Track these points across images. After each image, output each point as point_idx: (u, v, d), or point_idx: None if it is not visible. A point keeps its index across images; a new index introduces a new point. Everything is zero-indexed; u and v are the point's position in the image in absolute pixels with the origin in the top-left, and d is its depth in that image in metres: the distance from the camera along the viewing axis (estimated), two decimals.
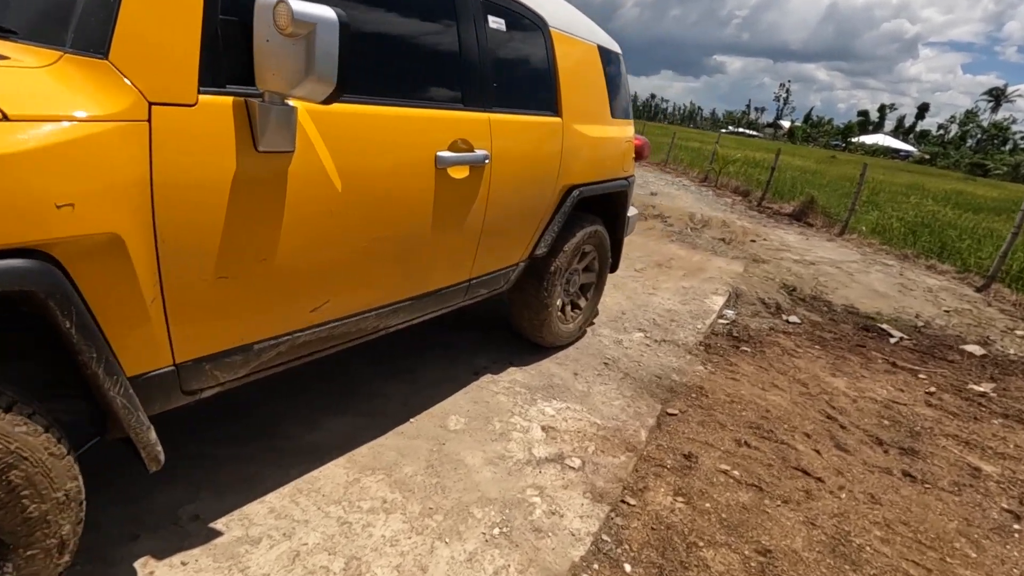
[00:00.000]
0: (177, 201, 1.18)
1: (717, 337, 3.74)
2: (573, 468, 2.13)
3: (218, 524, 1.63)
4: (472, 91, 1.95)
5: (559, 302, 2.93)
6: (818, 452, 2.52)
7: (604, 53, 2.84)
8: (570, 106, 2.50)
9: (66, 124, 1.00)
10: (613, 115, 2.93)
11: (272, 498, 1.76)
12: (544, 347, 3.00)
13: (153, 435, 1.28)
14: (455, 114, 1.86)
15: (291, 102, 1.34)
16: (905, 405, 3.13)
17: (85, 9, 1.08)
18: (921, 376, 3.61)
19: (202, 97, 1.21)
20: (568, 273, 2.96)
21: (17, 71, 1.00)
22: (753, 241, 7.20)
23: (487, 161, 1.98)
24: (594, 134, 2.71)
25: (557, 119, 2.42)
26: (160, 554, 1.51)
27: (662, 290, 4.41)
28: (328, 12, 1.21)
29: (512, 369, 2.80)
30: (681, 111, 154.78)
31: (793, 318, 4.46)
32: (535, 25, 2.28)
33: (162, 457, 1.32)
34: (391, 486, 1.89)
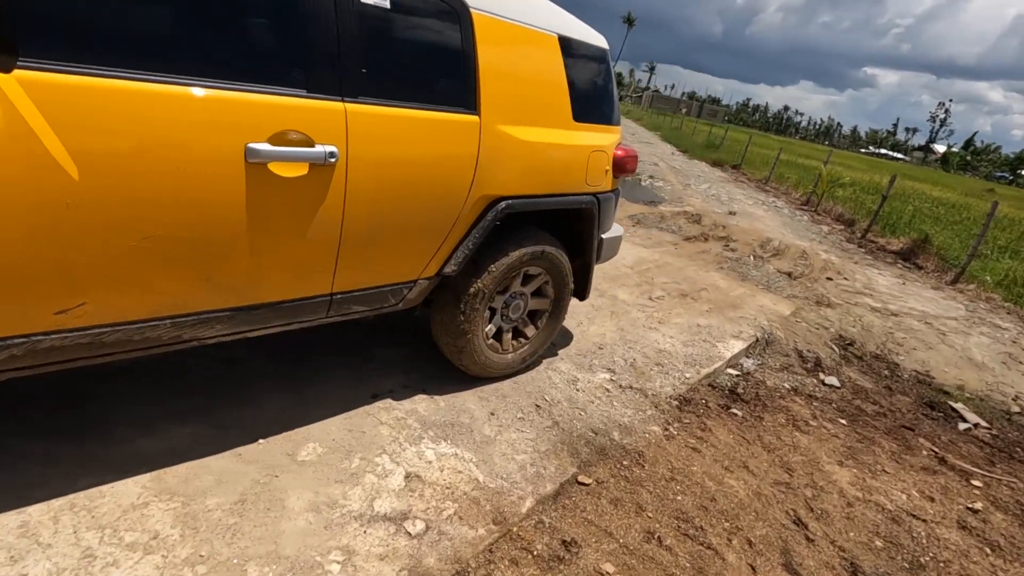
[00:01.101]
0: None
1: (708, 391, 3.14)
2: (409, 534, 1.78)
3: None
4: (321, 75, 1.65)
5: (489, 328, 2.55)
6: (753, 570, 1.94)
7: (569, 45, 2.40)
8: (497, 103, 2.12)
9: None
10: (578, 118, 2.48)
11: (35, 510, 1.60)
12: (472, 377, 2.64)
13: None
14: (286, 101, 1.57)
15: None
16: (925, 522, 2.39)
17: None
18: (975, 483, 2.78)
19: None
20: (508, 297, 2.57)
21: None
22: (829, 279, 6.21)
23: (333, 160, 1.67)
24: (537, 139, 2.29)
25: (472, 117, 2.05)
26: None
27: (669, 325, 3.83)
28: None
29: (420, 397, 2.48)
30: (816, 126, 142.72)
31: (831, 380, 3.69)
32: (446, 5, 1.92)
33: None
34: (177, 519, 1.66)
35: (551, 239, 2.59)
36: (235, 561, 1.57)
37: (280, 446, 2.03)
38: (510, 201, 2.26)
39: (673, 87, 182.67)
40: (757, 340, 3.94)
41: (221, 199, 1.51)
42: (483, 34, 2.04)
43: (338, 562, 1.64)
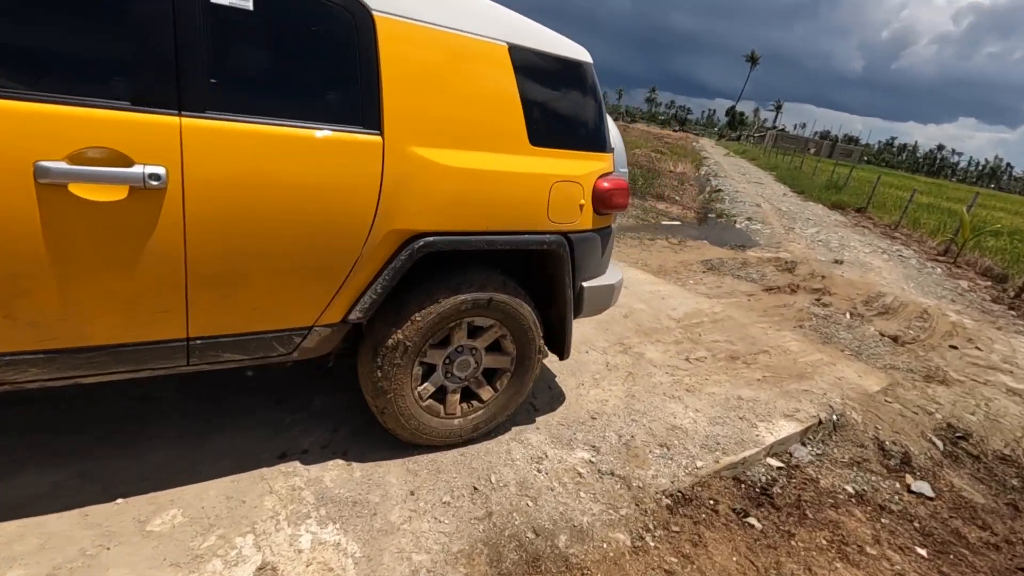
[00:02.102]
0: None
1: (725, 488, 2.43)
2: None
3: None
4: (150, 86, 1.41)
5: (423, 388, 2.15)
6: None
7: (524, 56, 2.01)
8: (409, 121, 1.77)
9: None
10: (537, 142, 2.06)
11: None
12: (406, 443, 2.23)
13: None
14: (95, 113, 1.35)
15: None
16: None
17: None
18: None
19: None
20: (451, 352, 2.16)
21: None
22: (953, 347, 4.99)
23: (156, 183, 1.41)
24: (470, 165, 1.90)
25: (371, 137, 1.72)
26: None
27: (699, 395, 3.14)
28: None
29: (335, 463, 2.12)
30: (979, 167, 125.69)
31: (921, 486, 2.77)
32: (336, 8, 1.63)
33: None
34: None
35: (506, 285, 2.15)
36: None
37: (137, 509, 1.77)
38: (431, 239, 1.88)
39: (804, 126, 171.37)
40: (820, 423, 3.10)
41: (7, 225, 1.31)
42: (390, 42, 1.72)
43: None
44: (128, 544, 1.65)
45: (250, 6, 1.51)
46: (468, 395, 2.32)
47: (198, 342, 1.67)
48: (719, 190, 15.11)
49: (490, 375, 2.35)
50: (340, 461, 2.13)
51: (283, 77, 1.62)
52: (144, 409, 2.21)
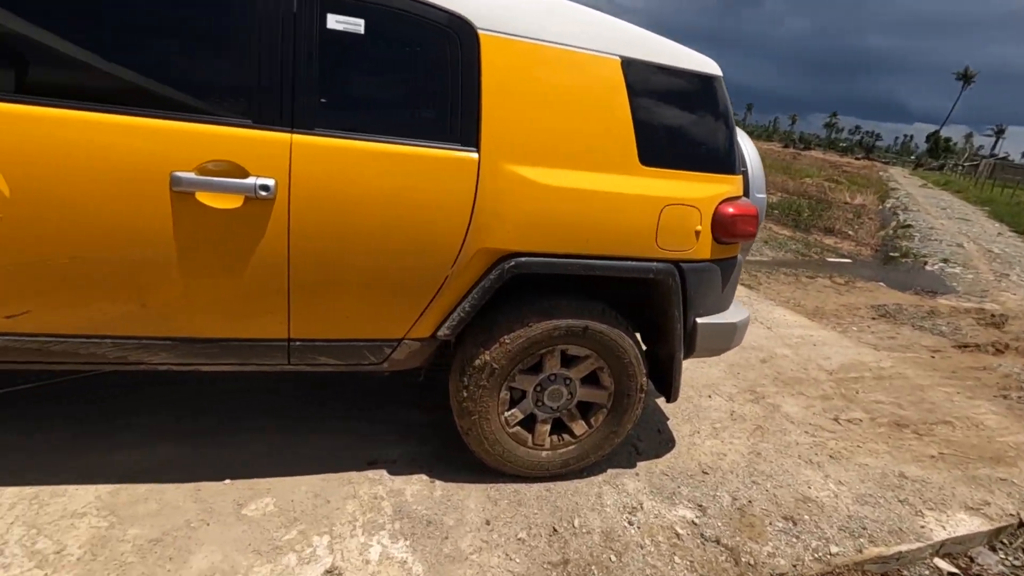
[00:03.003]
0: None
1: None
2: None
3: None
4: (268, 106, 1.54)
5: (510, 414, 2.06)
6: None
7: (640, 70, 1.86)
8: (508, 138, 1.73)
9: None
10: (649, 161, 1.89)
11: (9, 492, 1.77)
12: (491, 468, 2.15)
13: None
14: (218, 130, 1.51)
15: None
16: None
17: None
18: None
19: None
20: (542, 379, 2.05)
21: None
22: None
23: (265, 193, 1.53)
24: (569, 184, 1.80)
25: (467, 154, 1.70)
26: None
27: (846, 464, 2.61)
28: None
29: (419, 478, 2.11)
30: None
31: None
32: (443, 29, 1.66)
33: None
34: (91, 540, 1.65)
35: (604, 314, 1.99)
36: None
37: (239, 492, 1.92)
38: (523, 259, 1.80)
39: None
40: (1021, 524, 2.40)
41: (147, 225, 1.51)
42: (493, 60, 1.70)
43: None
44: (223, 524, 1.78)
45: (361, 30, 1.60)
46: (559, 427, 2.18)
47: (297, 343, 1.78)
48: (908, 225, 13.00)
49: (585, 409, 2.19)
50: (424, 477, 2.12)
51: (386, 95, 1.68)
52: (254, 401, 2.43)
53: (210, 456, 2.06)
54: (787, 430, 2.85)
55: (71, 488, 1.82)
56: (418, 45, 1.67)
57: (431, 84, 1.69)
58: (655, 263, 1.95)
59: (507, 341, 1.91)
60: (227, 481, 1.96)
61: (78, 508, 1.76)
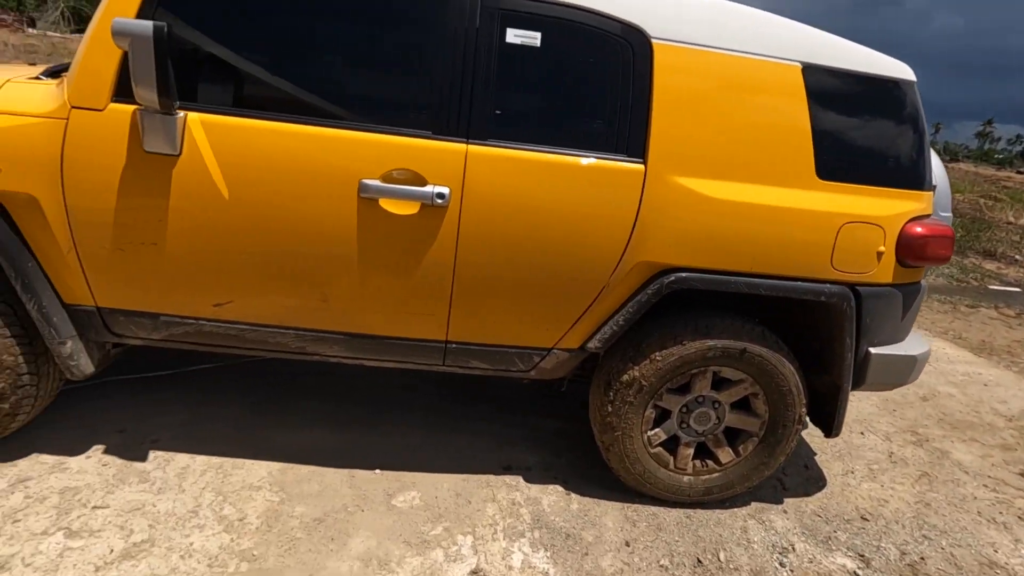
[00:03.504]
0: (78, 180, 1.55)
1: None
2: None
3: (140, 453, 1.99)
4: (447, 117, 1.61)
5: (653, 433, 1.98)
6: None
7: (824, 77, 1.73)
8: (676, 149, 1.67)
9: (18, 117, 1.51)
10: (828, 175, 1.74)
11: (200, 460, 1.99)
12: (629, 487, 2.09)
13: (67, 349, 1.71)
14: (402, 140, 1.60)
15: (180, 112, 1.52)
16: None
17: None
18: None
19: (112, 104, 1.54)
20: (689, 400, 1.96)
21: (20, 85, 1.58)
22: None
23: (441, 200, 1.60)
24: (739, 197, 1.70)
25: (634, 165, 1.67)
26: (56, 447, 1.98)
27: None
28: (141, 26, 1.33)
29: (554, 488, 2.10)
30: None
31: None
32: (616, 38, 1.64)
33: (79, 374, 1.75)
34: (266, 512, 1.81)
35: (765, 337, 1.87)
36: (269, 574, 1.60)
37: (388, 482, 2.02)
38: (684, 274, 1.73)
39: None
40: None
41: (334, 227, 1.63)
42: (667, 69, 1.66)
43: None
44: (376, 512, 1.88)
45: (538, 43, 1.63)
46: (703, 452, 2.07)
47: (453, 346, 1.84)
48: None
49: (732, 436, 2.06)
50: (559, 488, 2.11)
51: (556, 107, 1.70)
52: (395, 397, 2.54)
53: (360, 445, 2.18)
54: (961, 481, 2.51)
55: (248, 462, 2.02)
56: (591, 56, 1.67)
57: (601, 95, 1.68)
58: (828, 285, 1.79)
59: (658, 358, 1.84)
60: (377, 471, 2.07)
61: (254, 481, 1.94)
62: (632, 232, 1.70)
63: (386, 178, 1.60)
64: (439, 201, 1.60)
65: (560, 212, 1.67)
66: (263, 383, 2.49)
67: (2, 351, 1.69)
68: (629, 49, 1.65)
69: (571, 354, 1.89)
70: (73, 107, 1.53)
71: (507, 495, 2.04)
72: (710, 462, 2.06)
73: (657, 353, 1.84)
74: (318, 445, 2.15)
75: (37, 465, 1.86)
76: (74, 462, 1.90)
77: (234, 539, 1.70)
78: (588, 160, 1.66)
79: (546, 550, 1.82)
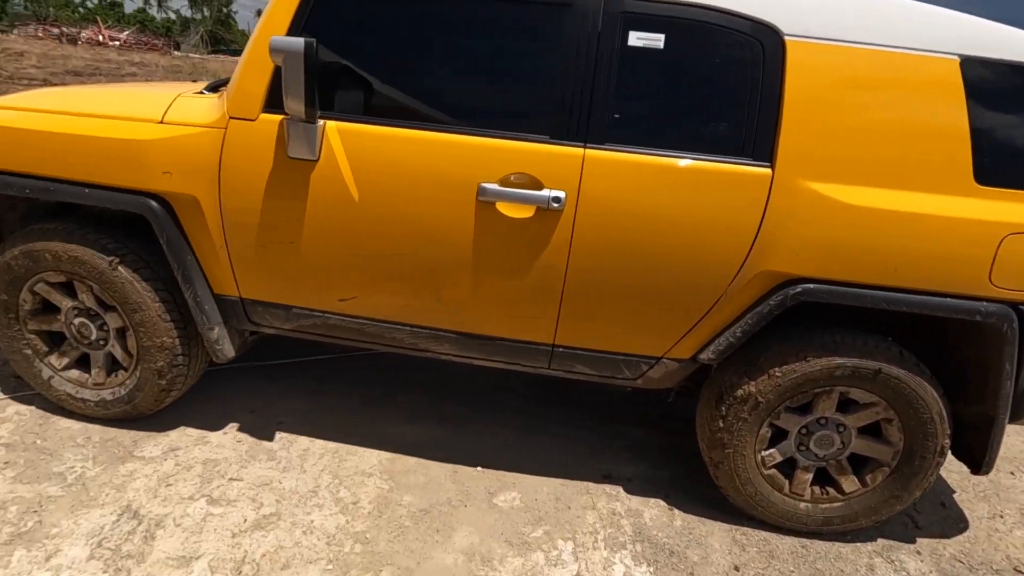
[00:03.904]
0: (232, 183, 1.73)
1: None
2: None
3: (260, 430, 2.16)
4: (565, 122, 1.62)
5: (768, 453, 1.87)
6: None
7: (986, 70, 1.54)
8: (808, 152, 1.57)
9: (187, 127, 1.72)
10: (987, 179, 1.56)
11: (319, 444, 2.13)
12: (738, 509, 1.98)
13: (214, 334, 1.91)
14: (520, 145, 1.62)
15: (320, 121, 1.65)
16: None
17: None
18: None
19: (263, 115, 1.69)
20: (810, 421, 1.83)
21: (188, 99, 1.79)
22: None
23: (557, 205, 1.61)
24: (879, 204, 1.56)
25: (759, 169, 1.58)
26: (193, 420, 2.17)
27: None
28: (294, 43, 1.46)
29: (656, 502, 2.03)
30: None
31: None
32: (746, 37, 1.57)
33: (223, 357, 1.95)
34: (377, 498, 1.91)
35: (903, 358, 1.70)
36: (381, 557, 1.69)
37: (489, 481, 2.05)
38: (811, 286, 1.62)
39: None
40: None
41: (452, 229, 1.69)
42: (801, 67, 1.56)
43: None
44: (478, 509, 1.92)
45: (661, 45, 1.59)
46: (823, 478, 1.92)
47: (560, 350, 1.84)
48: None
49: (859, 463, 1.89)
50: (661, 502, 2.04)
51: (679, 109, 1.65)
52: (497, 397, 2.58)
53: (463, 442, 2.24)
54: None
55: (360, 449, 2.14)
56: (717, 56, 1.60)
57: (726, 96, 1.62)
58: (985, 303, 1.59)
59: (778, 374, 1.73)
60: (479, 468, 2.11)
61: (366, 468, 2.05)
62: (755, 239, 1.61)
63: (504, 182, 1.63)
64: (555, 205, 1.61)
65: (677, 217, 1.62)
66: (374, 376, 2.63)
67: (163, 333, 1.91)
68: (759, 47, 1.57)
69: (681, 365, 1.83)
70: (231, 118, 1.71)
71: (607, 504, 2.00)
72: (831, 490, 1.91)
73: (777, 369, 1.73)
74: (423, 439, 2.23)
75: (184, 437, 2.09)
76: (214, 437, 2.11)
77: (349, 521, 1.81)
78: (709, 164, 1.60)
79: (648, 565, 1.77)
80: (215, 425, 2.17)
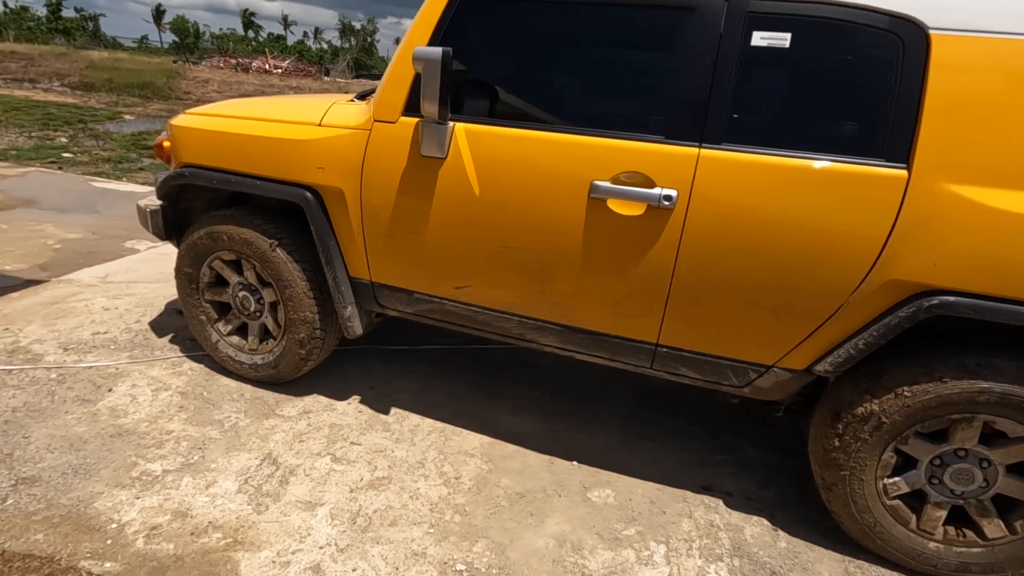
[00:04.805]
0: (372, 177, 1.96)
1: None
2: None
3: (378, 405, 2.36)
4: (681, 123, 1.63)
5: (893, 482, 1.71)
6: None
7: None
8: (952, 152, 1.44)
9: (339, 129, 1.98)
10: None
11: (428, 422, 2.30)
12: (853, 540, 1.83)
13: (347, 312, 2.16)
14: (633, 144, 1.66)
15: (449, 123, 1.83)
16: None
17: None
18: None
19: (402, 118, 1.91)
20: (946, 452, 1.66)
21: (341, 105, 2.06)
22: None
23: (668, 203, 1.63)
24: None
25: (894, 170, 1.48)
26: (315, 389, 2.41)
27: None
28: (433, 52, 1.64)
29: (759, 521, 1.94)
30: None
31: None
32: (885, 33, 1.49)
33: (352, 334, 2.19)
34: (476, 476, 2.02)
35: None
36: (477, 530, 1.79)
37: (583, 476, 2.09)
38: (950, 299, 1.48)
39: None
40: None
41: (562, 224, 1.77)
42: (945, 61, 1.45)
43: None
44: (570, 500, 1.96)
45: (787, 44, 1.57)
46: (960, 518, 1.71)
47: (663, 350, 1.84)
48: None
49: (1007, 506, 1.67)
50: (764, 521, 1.94)
51: (804, 109, 1.60)
52: (603, 399, 2.60)
53: (561, 438, 2.30)
54: None
55: (463, 431, 2.27)
56: (848, 54, 1.54)
57: (857, 95, 1.54)
58: None
59: (906, 394, 1.59)
60: (574, 463, 2.15)
61: (468, 449, 2.18)
62: (884, 246, 1.51)
63: (616, 180, 1.69)
64: (666, 203, 1.64)
65: (797, 218, 1.56)
66: (479, 368, 2.78)
67: (306, 308, 2.19)
68: (898, 43, 1.49)
69: (793, 375, 1.75)
70: (375, 120, 1.94)
71: (705, 515, 1.95)
72: (969, 532, 1.70)
73: (905, 388, 1.60)
74: (522, 430, 2.32)
75: (315, 403, 2.36)
76: (339, 405, 2.36)
77: (450, 493, 1.93)
78: (834, 165, 1.53)
79: None
80: (340, 396, 2.42)
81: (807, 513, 1.97)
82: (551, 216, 1.78)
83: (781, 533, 1.90)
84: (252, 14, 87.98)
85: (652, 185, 1.66)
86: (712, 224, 1.63)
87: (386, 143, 1.92)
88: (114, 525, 1.67)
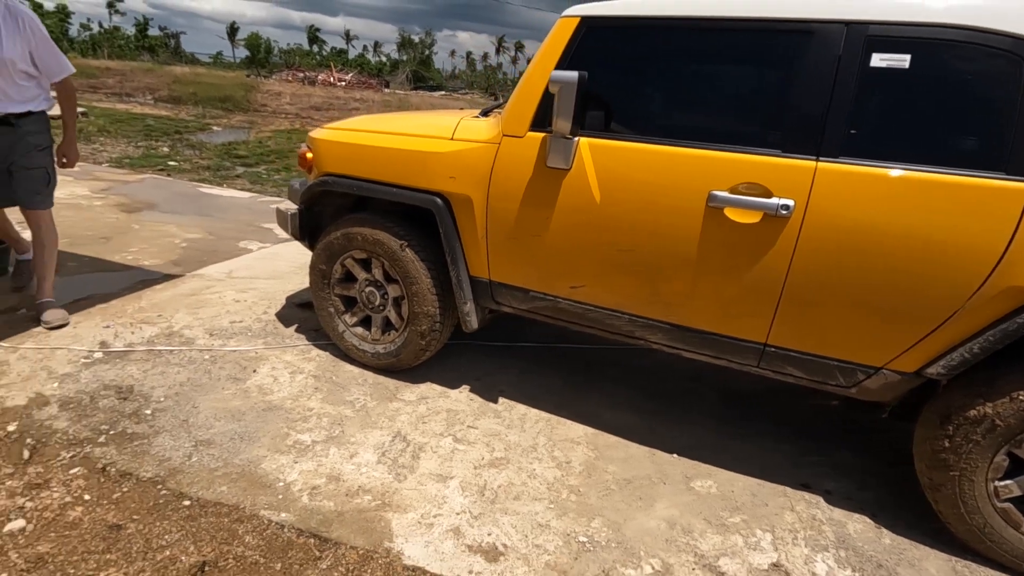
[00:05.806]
0: (499, 186, 2.17)
1: None
2: None
3: (489, 396, 2.56)
4: (798, 137, 1.76)
5: (1006, 485, 1.76)
6: None
7: None
8: None
9: (470, 142, 2.22)
10: None
11: (535, 413, 2.49)
12: (960, 541, 1.88)
13: (467, 308, 2.38)
14: (752, 157, 1.80)
15: (575, 138, 2.02)
16: None
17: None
18: None
19: (529, 133, 2.12)
20: None
21: (469, 121, 2.29)
22: None
23: (785, 212, 1.75)
24: None
25: (1010, 183, 1.56)
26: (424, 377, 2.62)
27: None
28: (570, 75, 1.84)
29: (861, 518, 2.01)
30: None
31: None
32: (1002, 52, 1.57)
33: (470, 328, 2.41)
34: (585, 462, 2.19)
35: None
36: (592, 509, 1.95)
37: (685, 467, 2.22)
38: None
39: None
40: None
41: (677, 230, 1.93)
42: None
43: (655, 570, 1.73)
44: (675, 487, 2.10)
45: (906, 65, 1.67)
46: None
47: (771, 349, 1.96)
48: None
49: None
50: (867, 519, 2.01)
51: (921, 125, 1.70)
52: (696, 401, 2.71)
53: (658, 432, 2.43)
54: None
55: (568, 422, 2.45)
56: (968, 74, 1.64)
57: (977, 111, 1.63)
58: None
59: (1021, 398, 1.66)
60: (675, 455, 2.29)
61: (574, 437, 2.35)
62: (1004, 254, 1.59)
63: (734, 190, 1.83)
64: (783, 212, 1.77)
65: (914, 227, 1.66)
66: (574, 365, 2.95)
67: (429, 303, 2.43)
68: (1016, 63, 1.57)
69: (903, 378, 1.83)
70: (504, 135, 2.16)
71: (806, 509, 2.04)
72: None
73: (1021, 392, 1.66)
74: (621, 423, 2.47)
75: (431, 390, 2.59)
76: (452, 393, 2.58)
77: (564, 475, 2.11)
78: (952, 177, 1.62)
79: (854, 571, 1.78)
80: (452, 384, 2.65)
81: (909, 516, 2.02)
82: (668, 222, 1.94)
83: (884, 531, 1.96)
84: (317, 29, 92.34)
85: (770, 195, 1.80)
86: (828, 231, 1.75)
87: (514, 155, 2.14)
88: (281, 483, 1.93)
